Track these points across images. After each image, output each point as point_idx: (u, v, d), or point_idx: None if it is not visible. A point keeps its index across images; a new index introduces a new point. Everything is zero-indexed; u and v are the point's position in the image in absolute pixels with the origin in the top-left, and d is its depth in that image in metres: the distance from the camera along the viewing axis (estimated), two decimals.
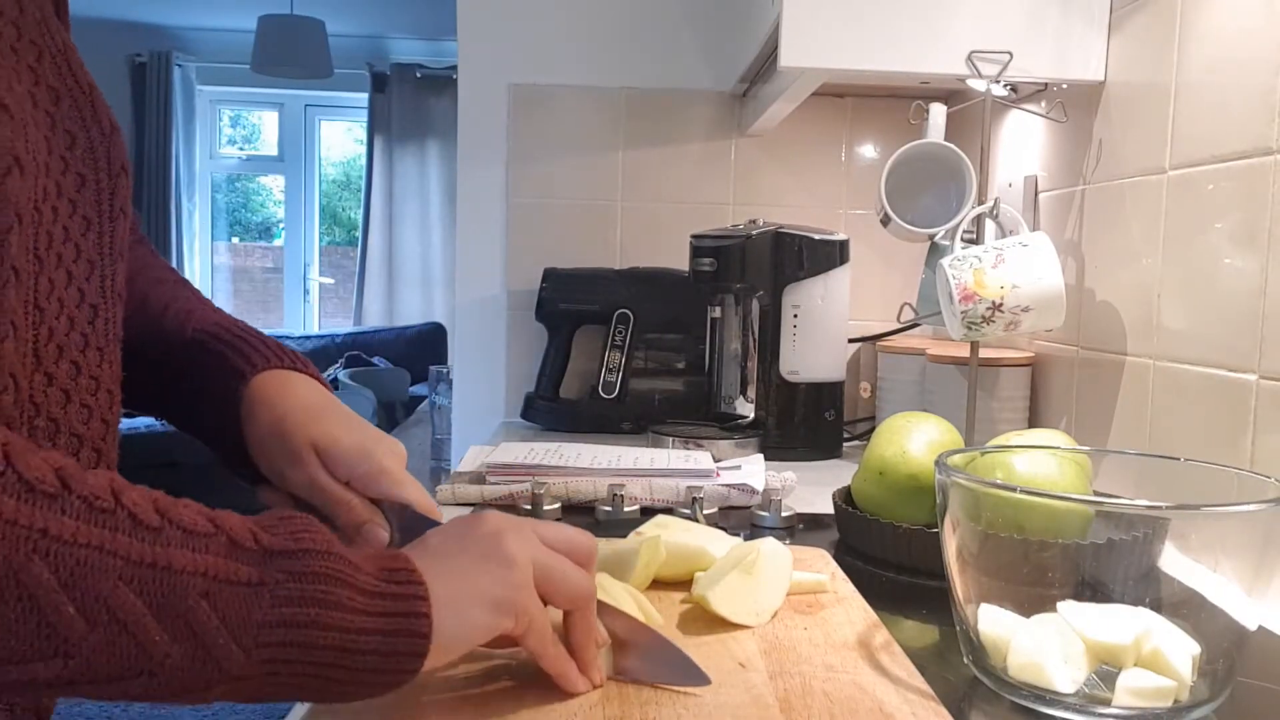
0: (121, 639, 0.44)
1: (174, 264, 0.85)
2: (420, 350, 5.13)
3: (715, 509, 1.07)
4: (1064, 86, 1.27)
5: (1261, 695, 0.67)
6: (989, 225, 1.31)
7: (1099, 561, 0.62)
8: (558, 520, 1.05)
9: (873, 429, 1.15)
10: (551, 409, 1.66)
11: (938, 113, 1.34)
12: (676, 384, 1.65)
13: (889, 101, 1.76)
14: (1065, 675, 0.59)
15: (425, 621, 0.51)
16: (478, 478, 1.14)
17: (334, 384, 3.39)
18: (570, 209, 1.79)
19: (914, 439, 0.95)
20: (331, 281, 6.00)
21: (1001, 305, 1.16)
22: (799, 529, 1.05)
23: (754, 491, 1.10)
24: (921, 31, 1.22)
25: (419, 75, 5.52)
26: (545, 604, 0.57)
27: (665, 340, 1.67)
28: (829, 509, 1.03)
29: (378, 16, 5.26)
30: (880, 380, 1.57)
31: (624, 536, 0.80)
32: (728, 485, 1.10)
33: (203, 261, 5.80)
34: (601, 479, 1.10)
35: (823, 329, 1.46)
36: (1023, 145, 1.46)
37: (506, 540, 0.56)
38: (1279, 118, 0.89)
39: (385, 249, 5.62)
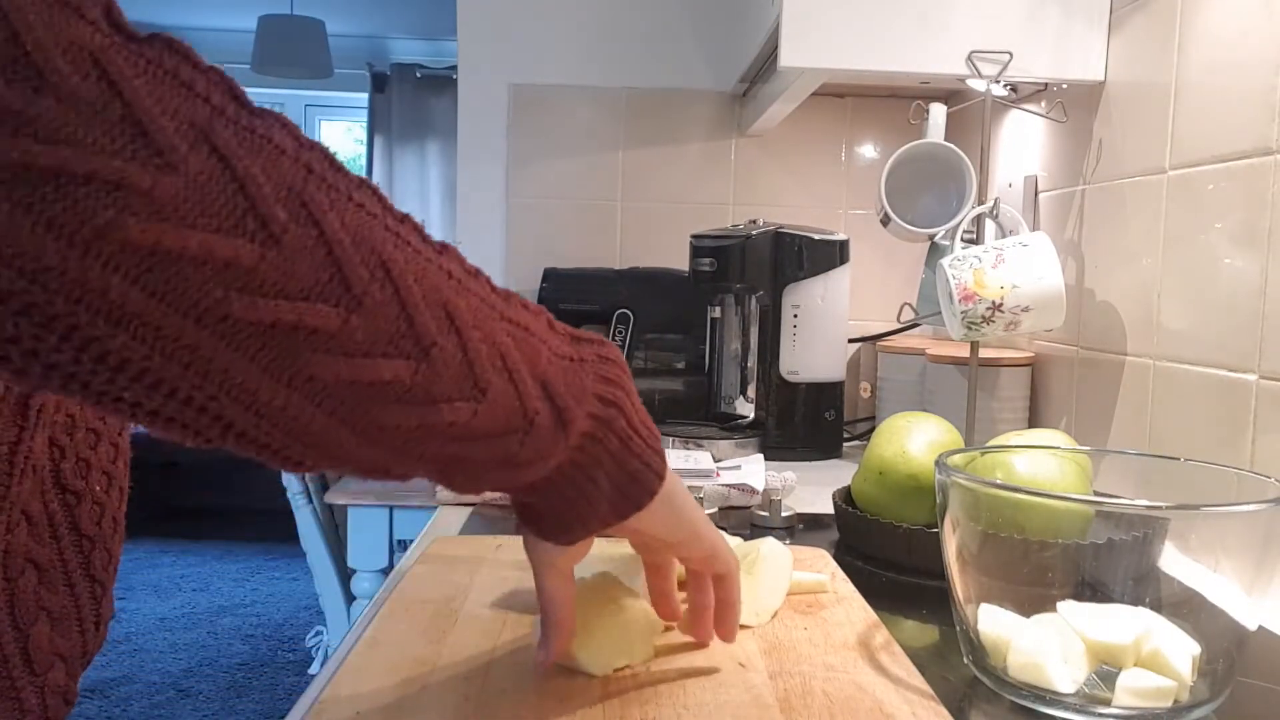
0: (510, 393, 0.45)
1: None
2: None
3: (715, 509, 1.07)
4: (1064, 86, 1.27)
5: (1262, 695, 0.67)
6: (989, 225, 1.31)
7: (1099, 561, 0.62)
8: None
9: (873, 429, 1.15)
10: None
11: (938, 112, 1.34)
12: (676, 384, 1.65)
13: (889, 101, 1.76)
14: (1065, 675, 0.59)
15: (663, 463, 0.54)
16: None
17: None
18: (570, 209, 1.79)
19: (914, 439, 0.95)
20: None
21: (1001, 305, 1.16)
22: (799, 529, 1.05)
23: (754, 491, 1.09)
24: (921, 31, 1.22)
25: (419, 75, 5.52)
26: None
27: (665, 340, 1.67)
28: (829, 509, 1.03)
29: (378, 16, 5.26)
30: (880, 380, 1.57)
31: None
32: (728, 485, 1.10)
33: None
34: None
35: (823, 329, 1.46)
36: (1023, 145, 1.46)
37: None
38: (1279, 118, 0.89)
39: None
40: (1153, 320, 1.09)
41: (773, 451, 1.38)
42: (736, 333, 1.54)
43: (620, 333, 1.64)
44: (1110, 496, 0.72)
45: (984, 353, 1.33)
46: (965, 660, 0.66)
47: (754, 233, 1.46)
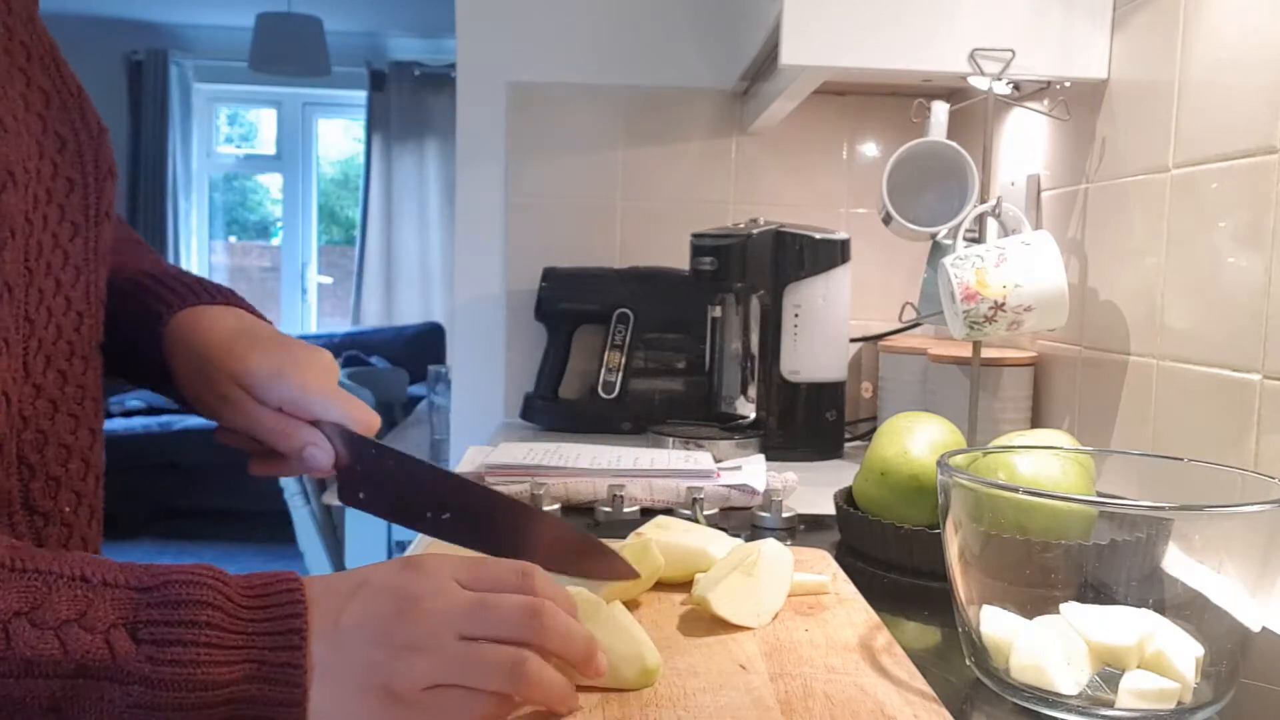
0: None
1: (172, 263, 0.84)
2: (419, 350, 5.13)
3: (716, 510, 1.07)
4: (1067, 84, 1.27)
5: (1265, 697, 0.67)
6: (991, 224, 1.30)
7: (1102, 562, 0.62)
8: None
9: (874, 429, 1.14)
10: (551, 409, 1.66)
11: (940, 111, 1.33)
12: (676, 384, 1.65)
13: (891, 100, 1.75)
14: (1068, 677, 0.59)
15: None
16: (477, 478, 1.14)
17: None
18: (570, 208, 1.79)
19: (916, 439, 0.95)
20: (329, 281, 5.99)
21: (1004, 305, 1.15)
22: (800, 530, 1.05)
23: (755, 492, 1.09)
24: (923, 29, 1.22)
25: (417, 73, 5.51)
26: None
27: (665, 340, 1.67)
28: (830, 510, 1.03)
29: (376, 14, 5.26)
30: (882, 380, 1.57)
31: (624, 537, 0.80)
32: (728, 486, 1.10)
33: (200, 260, 5.79)
34: (601, 480, 1.10)
35: (824, 329, 1.46)
36: (1025, 144, 1.45)
37: (401, 662, 0.50)
38: None
39: (384, 248, 5.61)
40: (1156, 320, 1.08)
41: (774, 452, 1.38)
42: (737, 332, 1.53)
43: (620, 332, 1.64)
44: (1113, 497, 0.72)
45: (986, 352, 1.33)
46: (967, 662, 0.65)
47: (755, 232, 1.45)
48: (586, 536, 0.66)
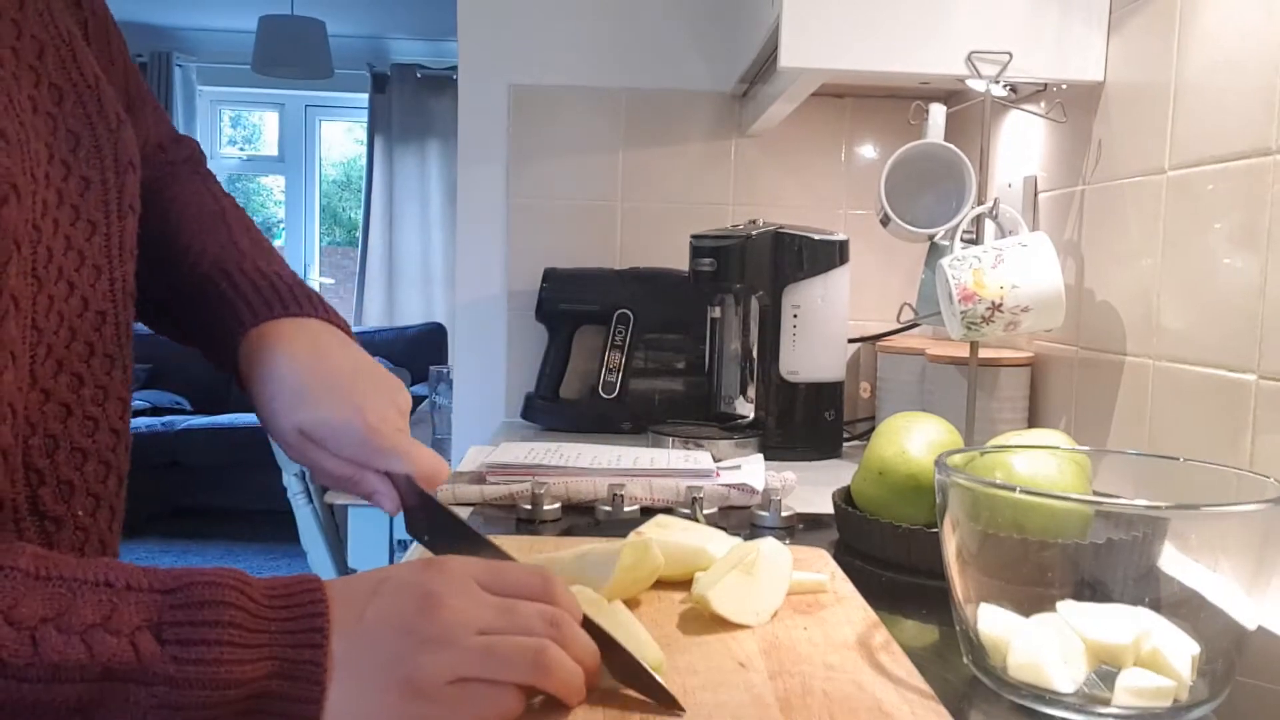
0: None
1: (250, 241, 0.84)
2: (420, 350, 5.13)
3: (715, 509, 1.07)
4: (1063, 87, 1.27)
5: (1261, 695, 0.67)
6: (988, 225, 1.31)
7: (1098, 561, 0.62)
8: (556, 520, 1.05)
9: (872, 429, 1.15)
10: (551, 409, 1.66)
11: (937, 113, 1.34)
12: (676, 384, 1.65)
13: (889, 102, 1.76)
14: (1065, 675, 0.59)
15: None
16: (478, 478, 1.14)
17: None
18: (570, 209, 1.79)
19: (914, 439, 0.95)
20: (332, 282, 5.99)
21: (1001, 305, 1.16)
22: (799, 529, 1.05)
23: (754, 491, 1.10)
24: (921, 32, 1.22)
25: (419, 75, 5.52)
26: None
27: (665, 340, 1.67)
28: (829, 509, 1.03)
29: (378, 17, 5.26)
30: (880, 380, 1.57)
31: (624, 536, 0.80)
32: (728, 485, 1.10)
33: None
34: (601, 479, 1.11)
35: (822, 329, 1.46)
36: (1022, 145, 1.46)
37: (424, 655, 0.51)
38: (1278, 118, 0.89)
39: (385, 249, 5.62)
40: (1152, 320, 1.09)
41: (772, 451, 1.38)
42: (736, 333, 1.54)
43: (620, 333, 1.64)
44: (1110, 496, 0.72)
45: (983, 353, 1.34)
46: (965, 660, 0.66)
47: (754, 233, 1.46)
48: (642, 670, 0.59)
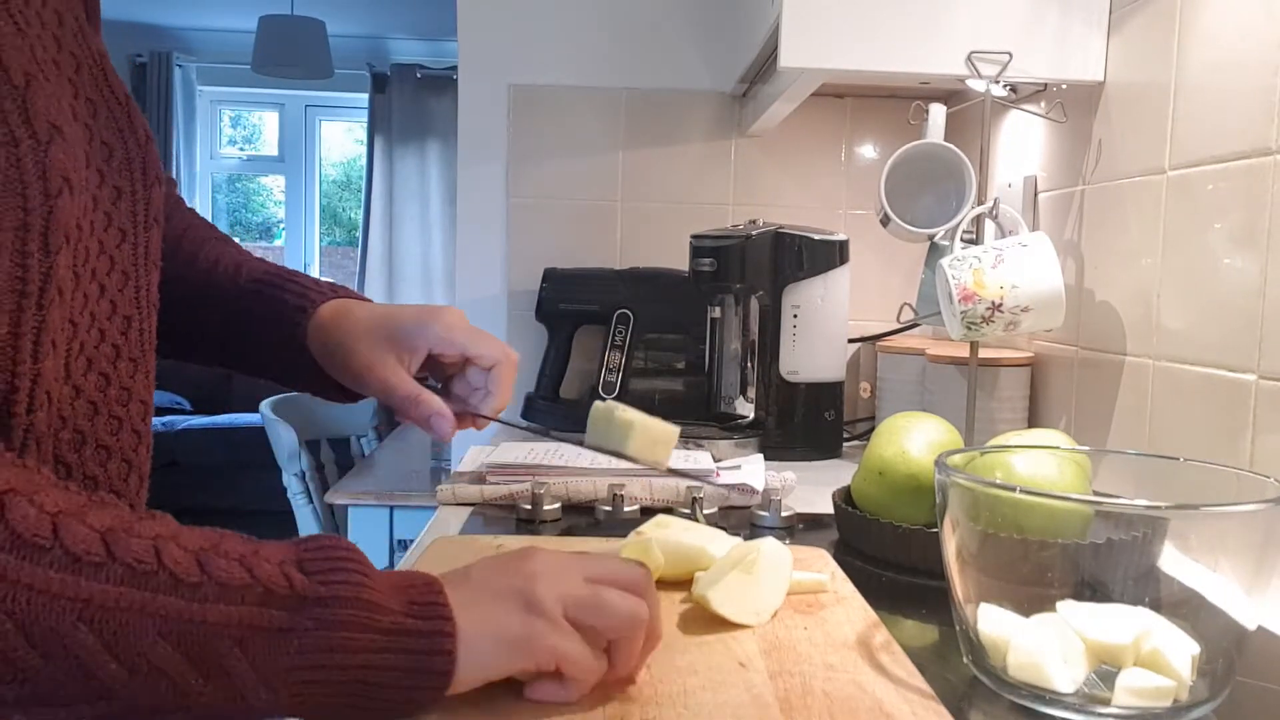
0: (161, 683, 0.48)
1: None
2: None
3: (715, 509, 1.07)
4: (1063, 87, 1.27)
5: (1261, 695, 0.67)
6: (988, 225, 1.31)
7: (1098, 561, 0.62)
8: (557, 520, 1.05)
9: (872, 429, 1.15)
10: (551, 409, 1.66)
11: (937, 113, 1.34)
12: (676, 384, 1.65)
13: (889, 102, 1.76)
14: (1065, 675, 0.59)
15: (448, 659, 0.53)
16: (478, 478, 1.14)
17: None
18: (570, 209, 1.79)
19: (914, 439, 0.95)
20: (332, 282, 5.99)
21: (1001, 305, 1.16)
22: (799, 529, 1.05)
23: (754, 491, 1.10)
24: (921, 32, 1.22)
25: (419, 75, 5.52)
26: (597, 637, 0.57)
27: (665, 340, 1.67)
28: (829, 509, 1.03)
29: (378, 17, 5.26)
30: (880, 380, 1.58)
31: (624, 536, 0.81)
32: (728, 485, 1.10)
33: None
34: (601, 479, 1.11)
35: (822, 329, 1.46)
36: (1022, 145, 1.46)
37: (539, 584, 0.57)
38: (1278, 118, 0.89)
39: (385, 249, 5.61)
40: (1152, 320, 1.09)
41: (772, 451, 1.38)
42: (736, 333, 1.54)
43: (620, 333, 1.64)
44: (1110, 496, 0.72)
45: (983, 353, 1.34)
46: (965, 660, 0.66)
47: (754, 233, 1.46)
48: None
